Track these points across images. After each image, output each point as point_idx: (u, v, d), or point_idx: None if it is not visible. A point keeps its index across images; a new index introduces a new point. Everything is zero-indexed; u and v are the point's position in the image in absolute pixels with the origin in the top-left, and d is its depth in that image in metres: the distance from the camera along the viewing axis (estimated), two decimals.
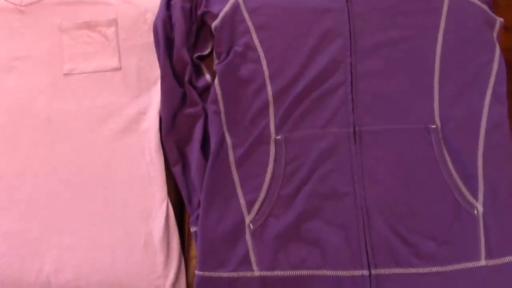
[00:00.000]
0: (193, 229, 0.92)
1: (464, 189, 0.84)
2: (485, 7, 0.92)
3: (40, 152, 0.95)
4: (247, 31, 0.92)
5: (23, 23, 1.01)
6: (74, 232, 0.92)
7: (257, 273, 0.85)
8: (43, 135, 0.96)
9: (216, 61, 0.95)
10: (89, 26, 0.99)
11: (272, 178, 0.87)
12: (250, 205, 0.87)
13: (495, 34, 0.93)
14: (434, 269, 0.82)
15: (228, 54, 0.93)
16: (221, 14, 0.94)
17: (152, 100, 0.97)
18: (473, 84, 0.88)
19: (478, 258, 0.83)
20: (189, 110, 0.95)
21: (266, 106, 0.89)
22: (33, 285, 0.91)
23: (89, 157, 0.95)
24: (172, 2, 0.98)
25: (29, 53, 0.99)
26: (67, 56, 0.98)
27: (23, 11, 1.01)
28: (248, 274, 0.85)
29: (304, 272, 0.84)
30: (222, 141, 0.91)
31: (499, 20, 0.93)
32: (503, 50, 0.92)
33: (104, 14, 0.99)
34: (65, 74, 0.98)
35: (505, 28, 0.95)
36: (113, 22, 0.99)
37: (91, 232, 0.92)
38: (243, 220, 0.87)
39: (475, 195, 0.85)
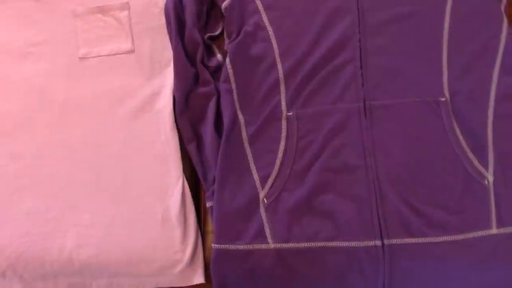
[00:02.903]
0: (209, 204, 0.94)
1: (474, 160, 0.85)
2: None
3: (58, 134, 0.98)
4: (257, 11, 0.93)
5: (38, 10, 1.03)
6: (94, 210, 0.95)
7: (272, 245, 0.87)
8: (60, 117, 0.99)
9: (227, 41, 0.97)
10: (102, 10, 1.01)
11: (284, 154, 0.89)
12: (263, 180, 0.89)
13: (502, 7, 0.93)
14: (446, 238, 0.83)
15: (238, 33, 0.94)
16: None
17: (166, 81, 0.99)
18: (482, 56, 0.89)
19: (489, 227, 0.83)
20: (202, 90, 0.97)
21: (277, 84, 0.91)
22: (56, 262, 0.94)
23: (106, 138, 0.97)
24: None
25: (45, 39, 1.02)
26: (81, 41, 1.01)
27: None
28: (263, 246, 0.87)
29: (318, 244, 0.86)
30: (234, 119, 0.93)
31: None
32: None
33: None
34: (80, 58, 1.01)
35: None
36: (126, 6, 1.01)
37: (109, 210, 0.94)
38: (257, 195, 0.89)
39: (485, 165, 0.85)
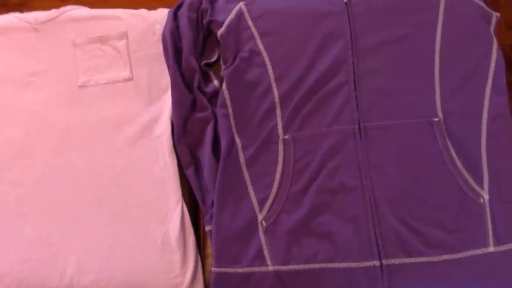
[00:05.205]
0: (207, 228, 0.94)
1: (469, 179, 0.86)
2: (481, 2, 0.95)
3: (58, 161, 0.99)
4: (252, 37, 0.96)
5: (39, 41, 1.06)
6: (94, 236, 0.95)
7: (271, 267, 0.87)
8: (61, 145, 1.00)
9: (223, 67, 0.99)
10: (101, 40, 1.04)
11: (282, 177, 0.90)
12: (261, 203, 0.90)
13: (492, 29, 0.95)
14: (444, 257, 0.84)
15: (234, 59, 0.97)
16: (226, 22, 0.98)
17: (164, 107, 1.01)
18: (473, 76, 0.91)
19: (486, 245, 0.84)
20: (199, 115, 0.99)
21: (273, 108, 0.92)
22: None
23: (105, 164, 0.98)
24: (179, 13, 1.03)
25: (45, 68, 1.04)
26: (81, 70, 1.03)
27: (38, 29, 1.06)
28: (263, 269, 0.88)
29: (317, 265, 0.86)
30: (232, 143, 0.94)
31: (495, 15, 0.95)
32: (505, 46, 0.94)
33: (115, 28, 1.04)
34: (80, 87, 1.03)
35: (506, 26, 0.97)
36: (124, 35, 1.03)
37: (110, 235, 0.95)
38: (255, 218, 0.90)
39: (480, 183, 0.86)
